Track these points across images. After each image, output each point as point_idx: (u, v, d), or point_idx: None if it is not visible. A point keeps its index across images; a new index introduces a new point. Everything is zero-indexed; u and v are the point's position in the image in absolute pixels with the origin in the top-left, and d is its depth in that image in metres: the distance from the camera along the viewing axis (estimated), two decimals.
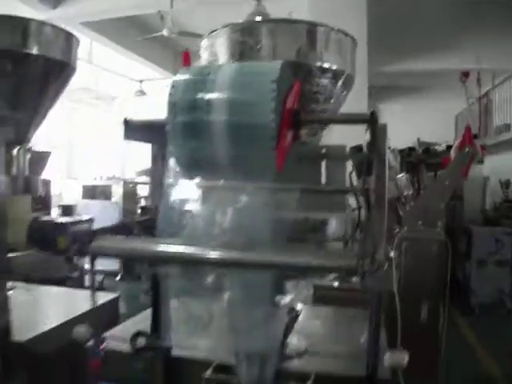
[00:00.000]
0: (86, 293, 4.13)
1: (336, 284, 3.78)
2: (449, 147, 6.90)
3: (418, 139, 8.92)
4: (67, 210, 9.22)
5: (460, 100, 12.63)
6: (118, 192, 9.75)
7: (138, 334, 2.15)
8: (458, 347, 5.65)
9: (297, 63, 2.08)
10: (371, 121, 1.57)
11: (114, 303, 3.17)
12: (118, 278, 6.98)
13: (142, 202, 9.64)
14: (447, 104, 14.22)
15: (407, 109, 14.87)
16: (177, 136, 1.44)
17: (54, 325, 2.71)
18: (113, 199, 9.91)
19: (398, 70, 11.85)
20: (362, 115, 1.59)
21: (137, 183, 9.99)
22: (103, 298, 3.20)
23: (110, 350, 2.28)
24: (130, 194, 9.69)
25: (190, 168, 1.51)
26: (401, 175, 4.49)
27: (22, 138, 2.90)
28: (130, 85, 14.50)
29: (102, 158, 14.95)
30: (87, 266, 5.68)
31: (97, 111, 16.70)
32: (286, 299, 1.74)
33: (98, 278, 6.33)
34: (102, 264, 5.43)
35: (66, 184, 10.85)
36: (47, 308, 3.29)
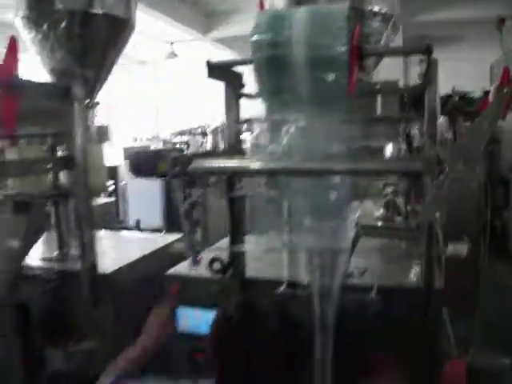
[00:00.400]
0: (153, 235, 4.43)
1: (380, 224, 3.98)
2: (486, 93, 6.93)
3: (453, 88, 8.89)
4: (111, 170, 9.58)
5: (495, 49, 12.43)
6: None
7: (214, 260, 2.41)
8: (497, 292, 5.77)
9: (352, 8, 2.26)
10: (427, 51, 1.76)
11: (181, 241, 3.46)
12: (162, 234, 7.26)
13: None
14: (481, 54, 13.98)
15: (441, 59, 14.60)
16: (261, 71, 1.66)
17: (133, 259, 3.02)
18: None
19: (431, 19, 11.69)
20: (419, 46, 1.78)
21: (175, 143, 10.25)
22: (172, 237, 3.52)
23: (187, 275, 2.56)
24: None
25: (274, 100, 1.72)
26: (440, 118, 4.61)
27: (90, 94, 3.12)
28: (161, 47, 14.62)
29: (137, 121, 15.21)
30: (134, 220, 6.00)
31: (130, 75, 16.89)
32: (353, 216, 1.96)
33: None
34: (146, 223, 5.75)
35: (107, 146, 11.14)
36: (123, 247, 3.61)
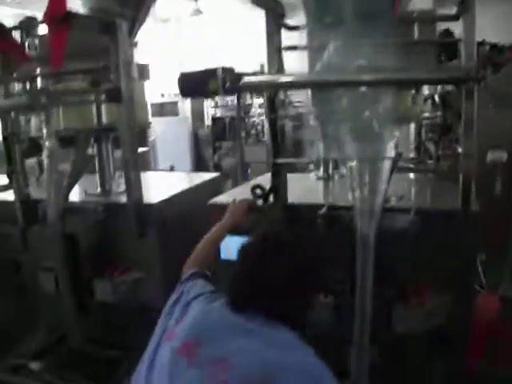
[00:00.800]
0: (191, 173, 4.54)
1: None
2: None
3: (484, 40, 8.70)
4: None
5: None
6: (185, 108, 10.10)
7: (255, 186, 2.51)
8: None
9: None
10: None
11: (218, 179, 3.60)
12: None
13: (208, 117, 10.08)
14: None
15: None
16: None
17: (175, 192, 3.13)
18: (180, 115, 10.28)
19: None
20: None
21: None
22: (210, 175, 3.64)
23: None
24: (198, 109, 10.08)
25: (319, 24, 1.77)
26: None
27: (130, 32, 3.14)
28: (185, 5, 14.46)
29: (163, 77, 15.13)
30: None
31: (153, 32, 16.76)
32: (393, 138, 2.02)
33: None
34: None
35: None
36: (164, 184, 3.74)
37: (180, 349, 1.48)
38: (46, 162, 2.89)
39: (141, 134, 9.26)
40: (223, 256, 2.70)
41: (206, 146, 9.66)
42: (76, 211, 2.99)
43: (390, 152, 2.06)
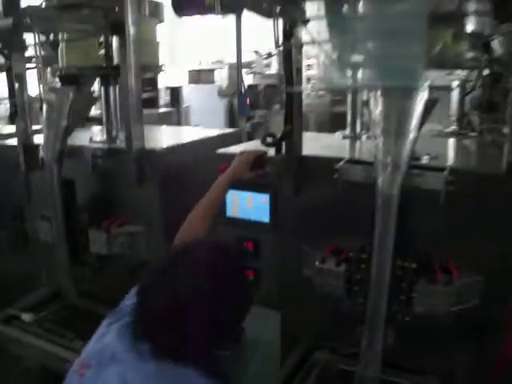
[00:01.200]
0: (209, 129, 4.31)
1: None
2: None
3: None
4: (174, 92, 9.49)
5: None
6: (222, 76, 9.83)
7: (267, 135, 2.22)
8: None
9: None
10: None
11: (235, 134, 3.35)
12: None
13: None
14: None
15: None
16: None
17: (183, 141, 2.89)
18: (216, 83, 10.02)
19: None
20: None
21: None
22: (227, 130, 3.41)
23: None
24: (235, 78, 9.78)
25: None
26: None
27: None
28: None
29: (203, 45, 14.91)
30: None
31: None
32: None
33: None
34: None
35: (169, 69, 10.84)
36: (178, 135, 3.50)
37: (80, 364, 1.45)
38: (44, 100, 2.68)
39: (174, 95, 9.16)
40: (229, 214, 2.44)
41: (241, 116, 9.38)
42: (74, 154, 2.77)
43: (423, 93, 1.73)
